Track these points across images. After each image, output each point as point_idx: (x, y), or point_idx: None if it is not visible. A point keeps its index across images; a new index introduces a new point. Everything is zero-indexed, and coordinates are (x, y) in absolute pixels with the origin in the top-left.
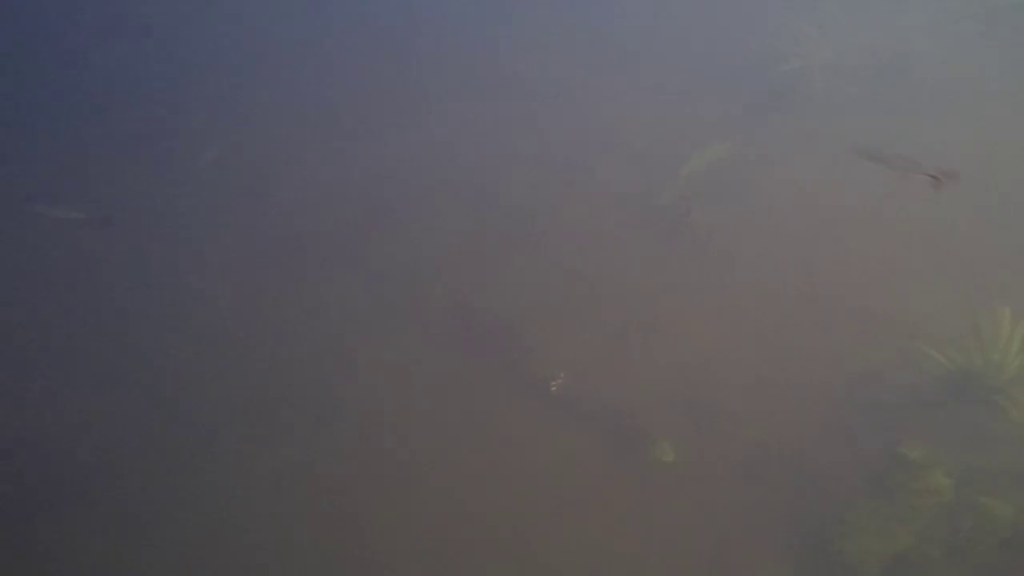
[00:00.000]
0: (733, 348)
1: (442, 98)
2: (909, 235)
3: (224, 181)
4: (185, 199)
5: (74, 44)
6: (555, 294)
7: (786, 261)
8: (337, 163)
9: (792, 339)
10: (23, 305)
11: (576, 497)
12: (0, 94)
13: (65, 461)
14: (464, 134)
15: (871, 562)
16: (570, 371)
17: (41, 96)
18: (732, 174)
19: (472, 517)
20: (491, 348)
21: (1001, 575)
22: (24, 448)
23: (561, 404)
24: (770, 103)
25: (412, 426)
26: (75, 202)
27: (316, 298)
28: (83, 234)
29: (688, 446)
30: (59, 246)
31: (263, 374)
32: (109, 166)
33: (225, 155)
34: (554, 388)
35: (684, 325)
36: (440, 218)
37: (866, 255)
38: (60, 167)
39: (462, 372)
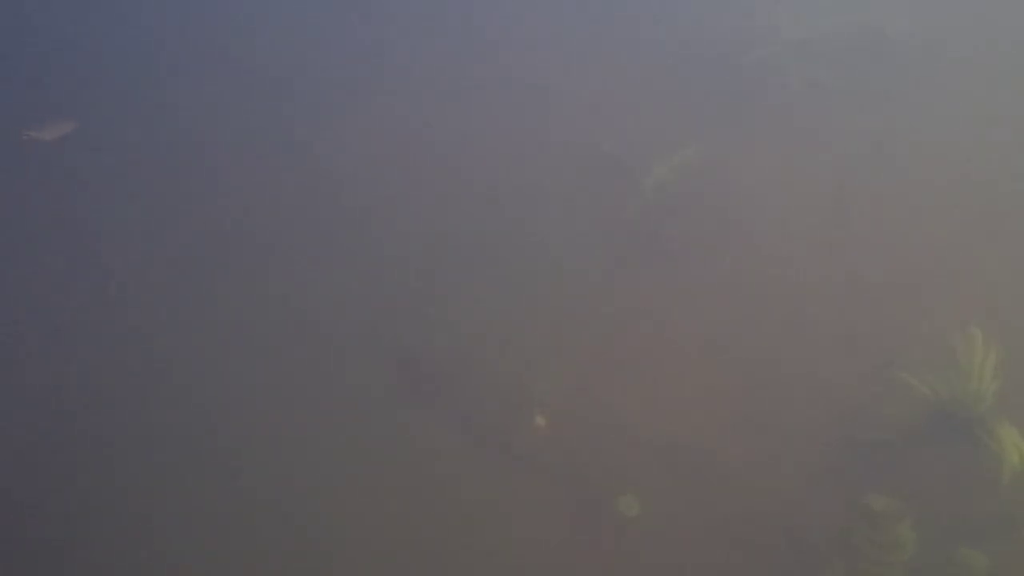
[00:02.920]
0: (708, 383)
1: (395, 105)
2: (892, 250)
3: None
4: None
5: None
6: (514, 329)
7: (764, 283)
8: (276, 190)
9: (773, 371)
10: None
11: (533, 556)
12: None
13: None
14: (420, 140)
15: None
16: (527, 419)
17: None
18: (702, 181)
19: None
20: (441, 395)
21: None
22: None
23: (515, 456)
24: (738, 97)
25: (351, 483)
26: None
27: (246, 343)
28: None
29: (656, 498)
30: None
31: (192, 418)
32: None
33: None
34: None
35: (654, 359)
36: (387, 231)
37: (849, 273)
38: None
39: (408, 423)
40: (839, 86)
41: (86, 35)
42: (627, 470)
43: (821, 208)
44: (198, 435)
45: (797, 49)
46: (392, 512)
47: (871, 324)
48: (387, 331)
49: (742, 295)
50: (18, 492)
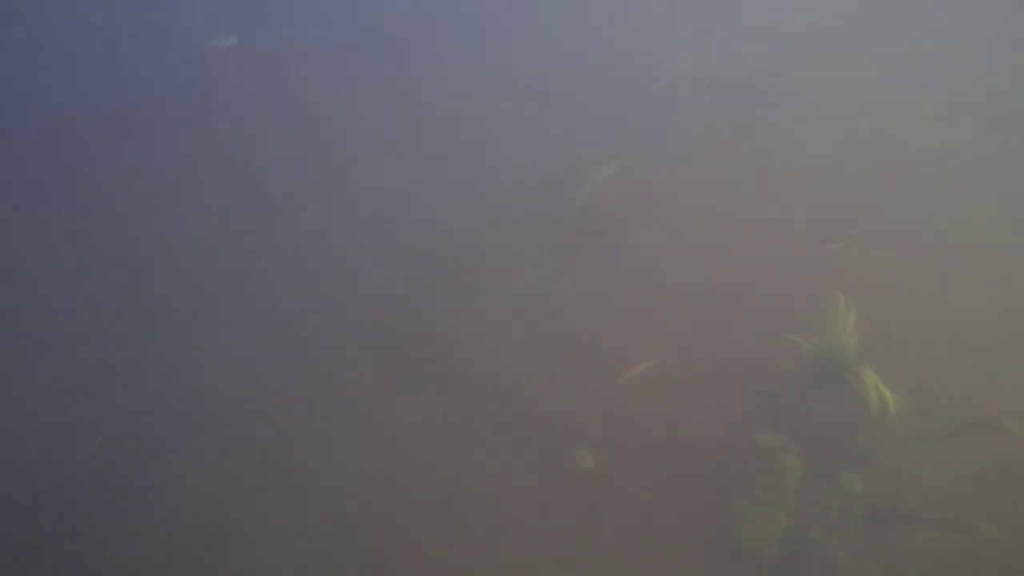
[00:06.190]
0: (637, 351)
1: (344, 132)
2: (775, 240)
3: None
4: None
5: None
6: (475, 317)
7: (677, 268)
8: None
9: (688, 337)
10: None
11: (505, 511)
12: None
13: None
14: (371, 168)
15: (766, 544)
16: (494, 389)
17: None
18: (622, 190)
19: (397, 540)
20: (411, 370)
21: (878, 546)
22: None
23: (487, 423)
24: (646, 123)
25: (340, 462)
26: None
27: (240, 331)
28: None
29: (602, 447)
30: None
31: (184, 402)
32: None
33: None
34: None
35: (592, 335)
36: (356, 252)
37: (743, 258)
38: None
39: (393, 401)
40: (726, 114)
41: None
42: (580, 428)
43: (717, 209)
44: (217, 408)
45: (692, 83)
46: (387, 466)
47: (764, 297)
48: (379, 326)
49: (660, 279)
50: None
